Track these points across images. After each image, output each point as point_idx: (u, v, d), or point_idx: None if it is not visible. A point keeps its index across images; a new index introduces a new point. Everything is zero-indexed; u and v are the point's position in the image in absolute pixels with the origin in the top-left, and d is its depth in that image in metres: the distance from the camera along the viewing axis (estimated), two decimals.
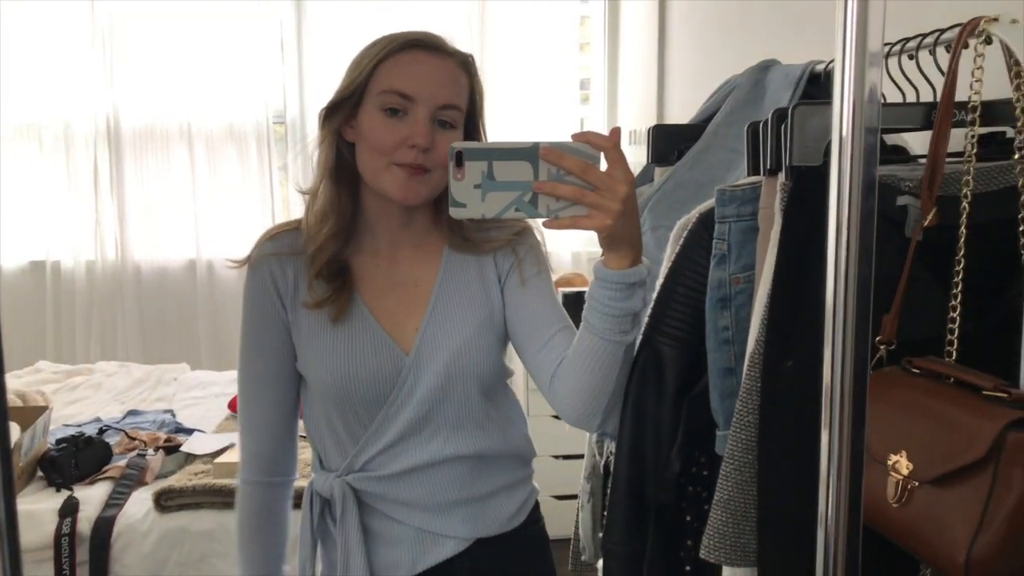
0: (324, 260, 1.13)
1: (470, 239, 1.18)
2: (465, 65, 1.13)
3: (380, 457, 1.16)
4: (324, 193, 1.15)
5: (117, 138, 3.91)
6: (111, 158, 3.92)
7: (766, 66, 1.43)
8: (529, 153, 0.94)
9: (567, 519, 1.66)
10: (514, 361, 1.26)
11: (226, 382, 3.09)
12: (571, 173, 0.93)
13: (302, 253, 1.16)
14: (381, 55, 1.09)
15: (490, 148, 0.96)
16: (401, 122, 1.07)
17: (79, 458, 2.17)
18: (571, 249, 4.04)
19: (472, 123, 1.15)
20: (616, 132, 0.95)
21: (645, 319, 1.18)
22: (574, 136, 0.94)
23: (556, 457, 2.94)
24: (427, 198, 1.11)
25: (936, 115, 0.91)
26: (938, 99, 0.92)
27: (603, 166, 0.95)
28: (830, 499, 0.75)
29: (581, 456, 1.64)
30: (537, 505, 1.29)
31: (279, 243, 1.18)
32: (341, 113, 1.12)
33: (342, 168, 1.14)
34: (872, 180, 0.60)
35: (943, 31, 0.95)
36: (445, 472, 1.17)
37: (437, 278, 1.18)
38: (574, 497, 1.67)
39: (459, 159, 0.94)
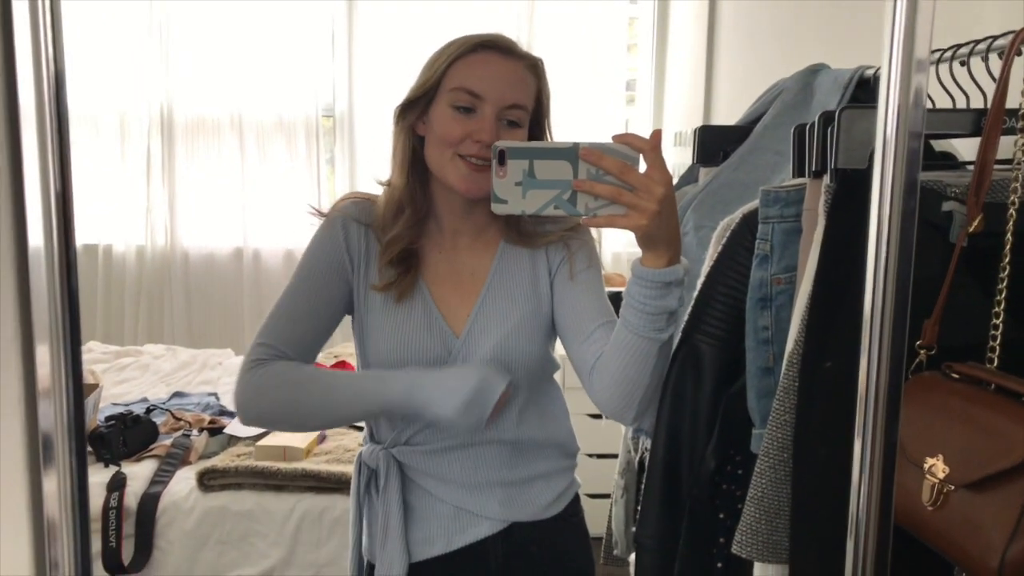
0: (399, 249, 1.19)
1: (525, 233, 1.23)
2: (534, 68, 1.17)
3: (424, 432, 1.21)
4: (400, 185, 1.20)
5: (170, 127, 4.00)
6: (164, 146, 4.01)
7: (815, 70, 1.43)
8: (569, 153, 0.98)
9: (601, 517, 1.68)
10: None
11: None
12: (609, 173, 0.96)
13: (374, 227, 1.21)
14: (455, 55, 1.14)
15: (531, 147, 1.00)
16: (469, 118, 1.12)
17: (127, 435, 2.24)
18: (611, 249, 4.05)
19: (538, 124, 1.20)
20: (657, 134, 0.98)
21: (684, 317, 1.19)
22: (614, 137, 0.98)
23: (591, 456, 2.95)
24: (488, 192, 1.14)
25: (985, 121, 0.91)
26: (988, 106, 0.92)
27: (642, 167, 0.97)
28: (861, 503, 0.76)
29: (616, 455, 1.66)
30: (577, 498, 1.31)
31: (359, 209, 1.23)
32: (415, 109, 1.17)
33: (416, 162, 1.20)
34: (914, 184, 0.61)
35: (996, 38, 0.95)
36: (485, 452, 1.22)
37: (491, 269, 1.23)
38: (608, 496, 1.68)
39: (501, 158, 0.99)
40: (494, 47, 1.14)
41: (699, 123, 3.18)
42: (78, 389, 0.67)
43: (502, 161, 0.99)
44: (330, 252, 1.21)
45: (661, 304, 1.04)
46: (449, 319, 1.21)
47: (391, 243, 1.19)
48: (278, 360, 1.16)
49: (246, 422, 1.19)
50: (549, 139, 1.21)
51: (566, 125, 4.12)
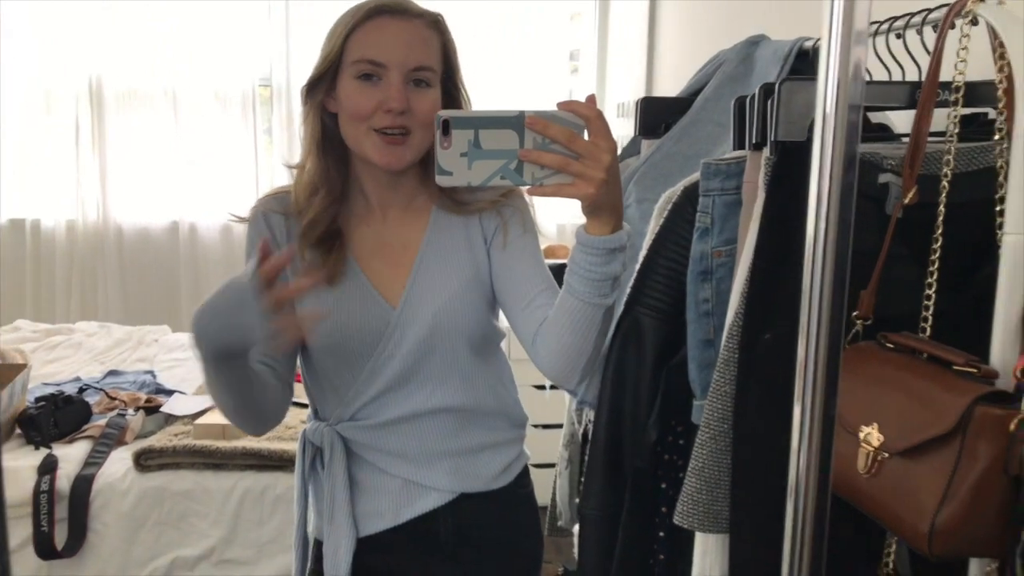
0: (318, 233, 1.16)
1: (457, 200, 1.21)
2: (435, 24, 1.15)
3: (369, 407, 1.20)
4: (312, 166, 1.17)
5: (100, 98, 3.86)
6: (94, 118, 3.87)
7: (755, 41, 1.44)
8: (515, 122, 0.95)
9: (546, 487, 1.68)
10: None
11: None
12: (556, 141, 0.94)
13: (292, 213, 1.19)
14: (350, 25, 1.11)
15: (476, 116, 0.97)
16: (376, 87, 1.10)
17: (58, 416, 2.17)
18: (556, 221, 4.05)
19: (451, 81, 1.17)
20: (593, 99, 0.97)
21: (627, 284, 1.19)
22: (559, 105, 0.96)
23: (536, 426, 2.97)
24: (411, 161, 1.13)
25: (920, 94, 0.92)
26: (923, 78, 0.93)
27: (586, 135, 0.96)
28: (799, 470, 0.76)
29: (561, 426, 1.66)
30: (527, 470, 1.32)
31: (277, 201, 1.21)
32: (321, 86, 1.14)
33: (328, 139, 1.17)
34: (853, 157, 0.61)
35: (931, 11, 0.96)
36: (431, 423, 1.20)
37: (424, 238, 1.21)
38: (553, 466, 1.69)
39: (446, 128, 0.96)
40: (388, 10, 1.11)
41: (642, 94, 3.18)
42: None
43: (446, 131, 0.96)
44: (256, 244, 1.18)
45: (606, 270, 1.04)
46: (384, 292, 1.19)
47: (310, 226, 1.16)
48: None
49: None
50: (464, 97, 1.18)
51: (510, 95, 4.10)
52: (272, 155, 3.96)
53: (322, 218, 1.16)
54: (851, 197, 0.60)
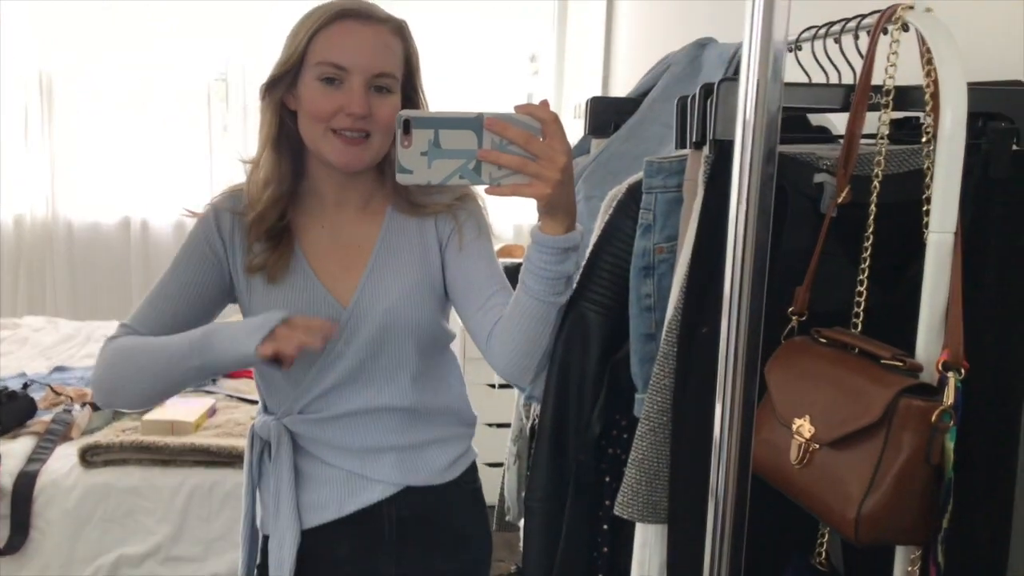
0: (265, 227, 1.17)
1: (413, 202, 1.23)
2: (399, 31, 1.16)
3: (317, 402, 1.21)
4: (266, 161, 1.18)
5: (50, 91, 3.79)
6: (43, 112, 3.80)
7: (703, 44, 1.46)
8: (474, 123, 0.98)
9: (498, 484, 1.69)
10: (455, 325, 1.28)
11: None
12: (514, 143, 0.97)
13: (244, 210, 1.19)
14: (315, 27, 1.11)
15: (437, 117, 1.00)
16: (338, 91, 1.11)
17: (2, 412, 2.13)
18: (513, 221, 4.07)
19: (411, 86, 1.18)
20: (546, 103, 1.01)
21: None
22: (516, 108, 0.99)
23: (490, 425, 2.97)
24: (369, 163, 1.14)
25: (854, 97, 0.95)
26: (856, 81, 0.96)
27: (543, 138, 0.99)
28: (720, 468, 0.78)
29: (510, 425, 1.67)
30: (474, 466, 1.33)
31: (231, 198, 1.21)
32: (282, 84, 1.15)
33: (285, 136, 1.17)
34: (772, 154, 0.63)
35: (865, 16, 0.99)
36: (377, 419, 1.22)
37: (378, 237, 1.22)
38: (502, 464, 1.70)
39: (406, 127, 0.98)
40: (353, 14, 1.12)
41: (599, 95, 3.21)
42: None
43: (407, 130, 0.99)
44: (201, 242, 1.19)
45: (560, 269, 1.07)
46: (334, 291, 1.19)
47: (256, 221, 1.17)
48: (126, 337, 1.15)
49: (98, 400, 1.16)
50: (423, 102, 1.20)
51: (469, 96, 4.11)
52: (226, 152, 3.92)
53: (270, 213, 1.16)
54: (770, 191, 0.62)
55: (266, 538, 1.25)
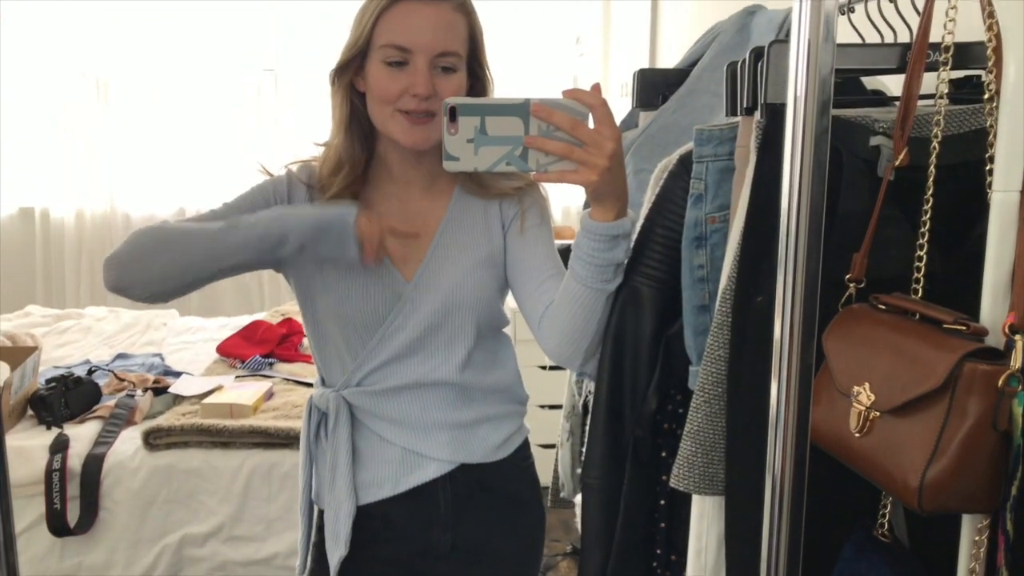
0: None
1: (480, 182, 1.23)
2: (461, 7, 1.16)
3: (374, 374, 1.23)
4: (338, 144, 1.20)
5: (106, 88, 3.88)
6: (102, 107, 3.89)
7: (751, 11, 1.44)
8: (520, 109, 0.98)
9: (550, 465, 1.70)
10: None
11: (215, 328, 3.11)
12: (560, 129, 0.97)
13: (316, 188, 1.21)
14: (379, 9, 1.12)
15: (483, 104, 1.00)
16: (403, 72, 1.12)
17: (69, 397, 2.20)
18: (562, 204, 4.06)
19: (476, 62, 1.19)
20: (598, 88, 1.00)
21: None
22: (564, 93, 0.99)
23: (542, 407, 2.98)
24: (435, 142, 1.15)
25: (910, 56, 0.92)
26: (912, 40, 0.93)
27: (591, 123, 0.98)
28: (777, 440, 0.77)
29: (562, 407, 1.68)
30: (527, 444, 1.34)
31: (306, 171, 1.24)
32: (350, 68, 1.16)
33: (356, 118, 1.19)
34: (826, 117, 0.62)
35: None
36: (433, 393, 1.23)
37: (445, 216, 1.24)
38: (555, 445, 1.70)
39: (452, 114, 0.99)
40: None
41: None
42: None
43: (453, 118, 1.00)
44: (268, 193, 1.22)
45: (609, 256, 1.07)
46: (399, 265, 1.21)
47: (332, 200, 1.19)
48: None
49: (107, 278, 1.11)
50: (489, 77, 1.20)
51: (516, 81, 4.10)
52: (278, 143, 3.96)
53: (344, 195, 1.19)
54: (824, 155, 0.61)
55: (320, 512, 1.27)
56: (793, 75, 0.64)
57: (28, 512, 1.98)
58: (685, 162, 1.16)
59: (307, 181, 1.22)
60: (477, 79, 1.19)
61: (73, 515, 2.00)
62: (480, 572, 1.28)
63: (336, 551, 1.22)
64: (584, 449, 1.39)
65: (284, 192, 1.22)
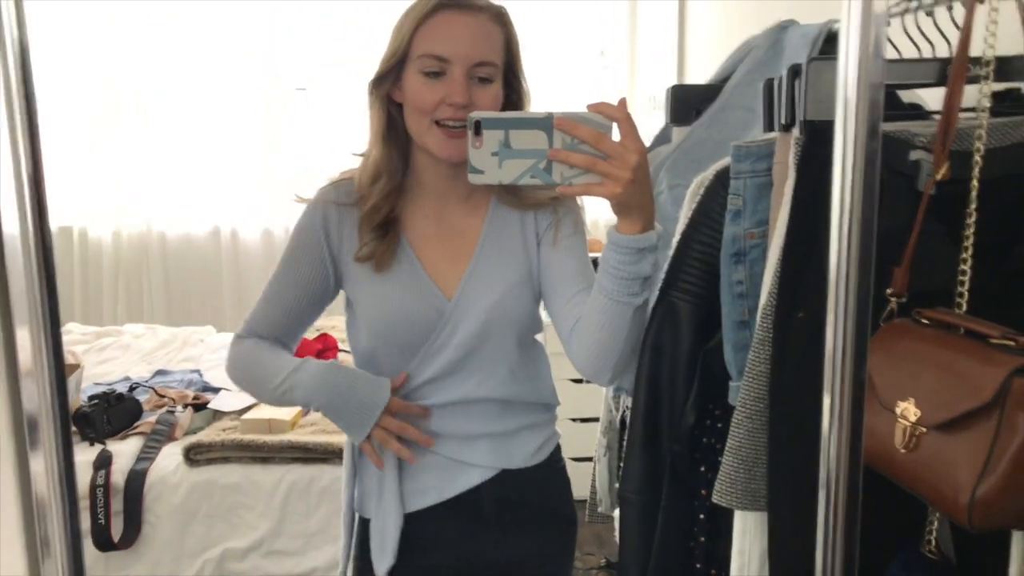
0: (380, 219, 1.20)
1: (515, 193, 1.24)
2: (498, 18, 1.17)
3: (418, 391, 1.24)
4: (377, 154, 1.21)
5: (144, 107, 3.95)
6: (139, 129, 3.97)
7: (784, 27, 1.44)
8: (544, 122, 0.99)
9: (585, 480, 1.70)
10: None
11: None
12: (584, 142, 0.97)
13: (356, 201, 1.22)
14: (417, 20, 1.14)
15: (507, 117, 1.01)
16: (440, 82, 1.13)
17: (111, 414, 2.24)
18: (590, 216, 4.05)
19: (512, 72, 1.20)
20: (623, 102, 1.00)
21: (659, 281, 1.20)
22: (589, 106, 0.99)
23: (574, 420, 2.98)
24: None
25: (951, 70, 0.92)
26: (953, 54, 0.93)
27: (616, 136, 0.99)
28: (831, 451, 0.77)
29: (598, 419, 1.68)
30: (559, 448, 1.36)
31: (341, 191, 1.24)
32: (388, 79, 1.17)
33: (393, 129, 1.20)
34: (876, 132, 0.62)
35: None
36: (474, 409, 1.25)
37: (482, 230, 1.24)
38: (591, 459, 1.71)
39: (477, 128, 1.00)
40: (454, 4, 1.13)
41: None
42: (60, 369, 0.67)
43: (478, 131, 1.00)
44: (308, 237, 1.24)
45: (635, 269, 1.07)
46: (439, 282, 1.22)
47: (370, 213, 1.20)
48: (250, 338, 1.27)
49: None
50: (525, 88, 1.21)
51: (540, 95, 4.10)
52: (310, 161, 4.00)
53: (383, 204, 1.20)
54: (875, 172, 0.61)
55: (365, 521, 1.29)
56: (842, 91, 0.64)
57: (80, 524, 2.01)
58: (722, 178, 1.16)
59: (344, 200, 1.23)
60: (513, 90, 1.20)
61: (117, 530, 2.03)
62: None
63: (384, 561, 1.23)
64: (622, 464, 1.39)
65: (320, 225, 1.23)
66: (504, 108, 1.19)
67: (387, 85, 1.18)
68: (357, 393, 1.19)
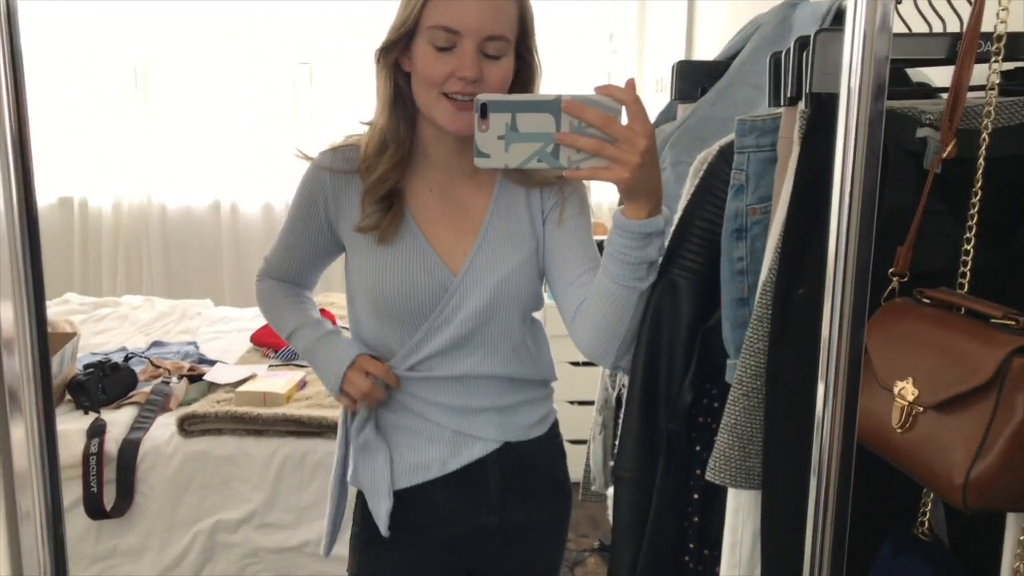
0: (385, 190, 1.18)
1: (522, 172, 1.21)
2: None
3: (422, 364, 1.23)
4: (384, 124, 1.19)
5: (145, 80, 3.94)
6: (138, 100, 3.95)
7: (793, 3, 1.42)
8: (551, 105, 0.97)
9: (581, 461, 1.69)
10: None
11: (249, 318, 3.14)
12: (592, 125, 0.96)
13: (358, 172, 1.21)
14: None
15: (514, 100, 0.99)
16: (450, 55, 1.10)
17: (106, 383, 2.23)
18: (594, 199, 4.04)
19: (524, 47, 1.17)
20: (632, 84, 0.98)
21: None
22: (596, 89, 0.98)
23: (572, 403, 2.98)
24: None
25: (961, 45, 0.90)
26: (963, 30, 0.91)
27: (624, 119, 0.97)
28: (824, 441, 0.76)
29: (592, 403, 1.67)
30: (557, 422, 1.36)
31: (339, 158, 1.23)
32: (396, 48, 1.15)
33: (400, 99, 1.18)
34: (881, 108, 0.60)
35: None
36: (478, 384, 1.24)
37: (489, 206, 1.23)
38: (585, 442, 1.70)
39: (484, 111, 0.98)
40: None
41: None
42: (43, 339, 0.66)
43: (484, 114, 0.99)
44: (307, 204, 1.24)
45: (641, 254, 1.06)
46: (445, 257, 1.20)
47: (375, 184, 1.18)
48: (268, 279, 1.36)
49: None
50: (537, 63, 1.19)
51: (549, 77, 4.08)
52: (312, 136, 3.99)
53: (390, 176, 1.18)
54: (878, 146, 0.59)
55: (360, 495, 1.28)
56: (847, 63, 0.63)
57: (65, 495, 1.98)
58: (725, 153, 1.15)
59: (345, 167, 1.21)
60: (525, 63, 1.18)
61: (109, 499, 2.03)
62: (520, 548, 1.31)
63: (382, 504, 1.23)
64: (617, 442, 1.38)
65: (319, 190, 1.22)
66: (516, 83, 1.17)
67: (395, 53, 1.15)
68: (331, 353, 1.26)
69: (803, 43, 0.95)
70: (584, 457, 1.69)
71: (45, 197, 4.00)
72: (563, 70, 3.83)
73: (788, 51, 0.98)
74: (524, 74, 1.18)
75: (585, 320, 1.16)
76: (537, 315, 1.33)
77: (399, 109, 1.18)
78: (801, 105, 0.96)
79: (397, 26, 1.14)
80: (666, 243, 1.14)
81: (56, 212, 4.03)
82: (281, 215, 4.05)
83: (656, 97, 3.27)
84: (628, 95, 0.97)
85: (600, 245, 1.14)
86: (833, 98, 0.94)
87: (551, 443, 1.33)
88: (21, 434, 0.66)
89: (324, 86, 3.94)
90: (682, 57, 3.24)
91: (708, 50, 2.99)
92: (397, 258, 1.19)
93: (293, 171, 1.28)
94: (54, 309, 3.17)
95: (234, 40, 3.90)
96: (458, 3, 1.10)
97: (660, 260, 1.10)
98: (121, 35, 3.87)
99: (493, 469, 1.26)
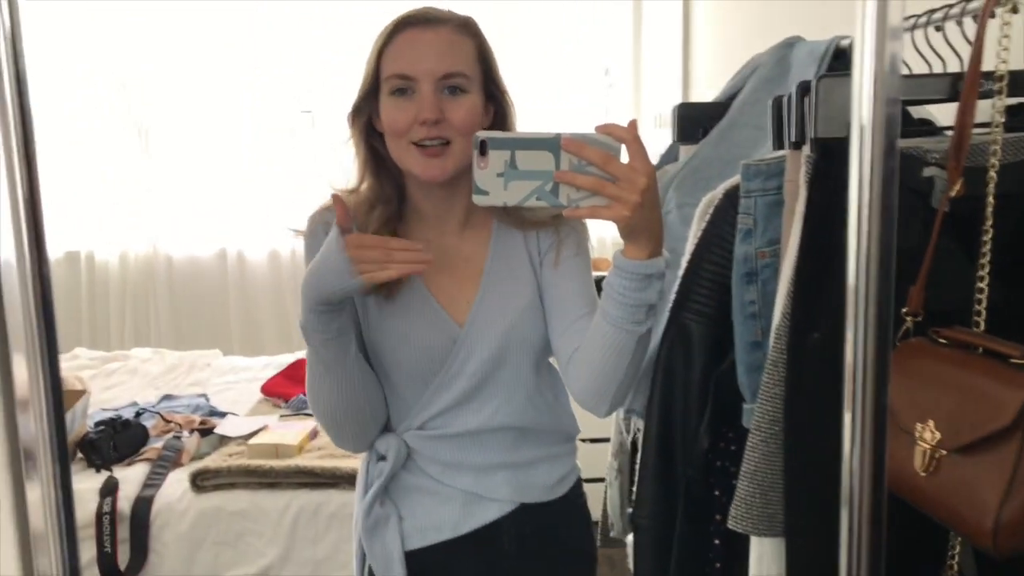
0: None
1: (516, 214, 1.21)
2: (464, 27, 1.14)
3: (435, 420, 1.20)
4: (367, 186, 1.19)
5: (147, 134, 3.98)
6: (143, 152, 3.99)
7: (790, 43, 1.43)
8: (551, 143, 0.97)
9: (595, 500, 1.67)
10: None
11: (259, 367, 3.14)
12: (592, 164, 0.95)
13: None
14: (381, 43, 1.13)
15: (513, 138, 0.99)
16: (410, 101, 1.10)
17: (117, 440, 2.22)
18: (597, 235, 4.05)
19: (491, 82, 1.17)
20: (634, 124, 0.97)
21: (666, 304, 1.18)
22: (597, 128, 0.97)
23: (585, 440, 2.95)
24: (452, 171, 1.12)
25: (963, 85, 0.91)
26: (965, 69, 0.92)
27: (624, 158, 0.97)
28: (853, 474, 0.75)
29: (607, 440, 1.66)
30: (580, 482, 1.32)
31: (328, 215, 1.21)
32: (365, 108, 1.16)
33: (380, 160, 1.18)
34: (893, 150, 0.60)
35: (969, 0, 0.95)
36: (493, 437, 1.21)
37: (488, 254, 1.21)
38: (601, 480, 1.68)
39: (483, 148, 0.97)
40: (413, 21, 1.12)
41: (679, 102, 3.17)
42: (57, 398, 0.66)
43: (483, 152, 0.98)
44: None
45: (641, 296, 1.04)
46: (449, 309, 1.19)
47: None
48: None
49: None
50: (508, 99, 1.18)
51: (546, 114, 4.12)
52: (316, 183, 4.02)
53: (383, 231, 1.17)
54: (893, 190, 0.59)
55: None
56: (857, 107, 0.63)
57: (79, 555, 1.99)
58: (731, 197, 1.15)
59: (331, 223, 1.18)
60: (495, 101, 1.17)
61: (123, 558, 2.01)
62: None
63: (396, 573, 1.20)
64: (634, 488, 1.37)
65: (323, 241, 1.20)
66: (494, 124, 1.17)
67: (365, 115, 1.16)
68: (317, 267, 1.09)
69: (805, 88, 0.96)
70: (597, 495, 1.68)
71: (52, 252, 4.01)
72: (560, 105, 3.86)
73: (790, 96, 0.99)
74: (497, 113, 1.18)
75: (581, 365, 1.13)
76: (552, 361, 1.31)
77: (380, 170, 1.18)
78: (806, 150, 0.96)
79: (362, 85, 1.15)
80: (669, 281, 1.12)
81: (63, 267, 4.05)
82: (287, 263, 4.06)
83: (655, 133, 3.29)
84: (629, 133, 0.96)
85: (599, 282, 1.12)
86: (838, 142, 0.94)
87: (572, 506, 1.28)
88: (37, 495, 0.66)
89: (327, 134, 3.98)
90: (678, 92, 3.27)
91: (704, 85, 3.01)
92: (403, 315, 1.18)
93: (298, 217, 1.27)
94: (64, 365, 3.16)
95: (238, 88, 3.94)
96: (408, 48, 1.11)
97: (660, 303, 1.09)
98: (125, 85, 3.90)
99: (506, 533, 1.22)
